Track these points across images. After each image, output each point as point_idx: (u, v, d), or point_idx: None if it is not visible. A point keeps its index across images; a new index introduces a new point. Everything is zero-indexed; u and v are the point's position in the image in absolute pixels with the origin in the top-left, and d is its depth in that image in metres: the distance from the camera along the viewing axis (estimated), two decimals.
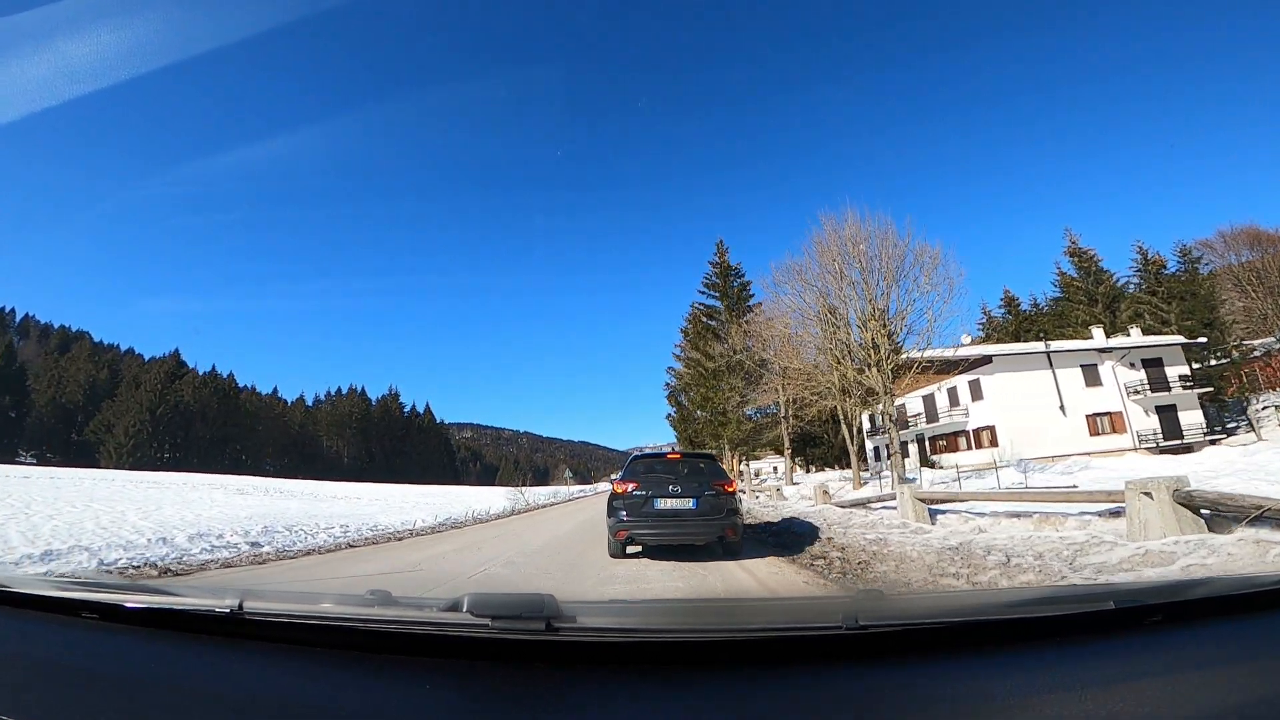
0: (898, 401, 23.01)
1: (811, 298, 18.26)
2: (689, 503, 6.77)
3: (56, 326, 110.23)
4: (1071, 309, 44.59)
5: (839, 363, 18.33)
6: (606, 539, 7.21)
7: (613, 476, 10.41)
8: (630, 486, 6.91)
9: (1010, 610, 1.11)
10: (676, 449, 8.61)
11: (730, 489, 7.05)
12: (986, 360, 28.65)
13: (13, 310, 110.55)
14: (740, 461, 35.84)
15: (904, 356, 17.34)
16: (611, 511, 6.94)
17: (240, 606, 1.07)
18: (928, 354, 17.79)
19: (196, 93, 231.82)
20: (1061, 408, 29.63)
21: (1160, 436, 29.51)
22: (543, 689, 0.86)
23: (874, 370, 17.11)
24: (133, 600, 1.22)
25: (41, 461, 75.02)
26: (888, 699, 0.82)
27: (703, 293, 35.71)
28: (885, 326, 17.00)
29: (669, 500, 6.81)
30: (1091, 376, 30.63)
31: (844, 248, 17.56)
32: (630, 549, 7.17)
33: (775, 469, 59.64)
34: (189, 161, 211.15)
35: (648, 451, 8.04)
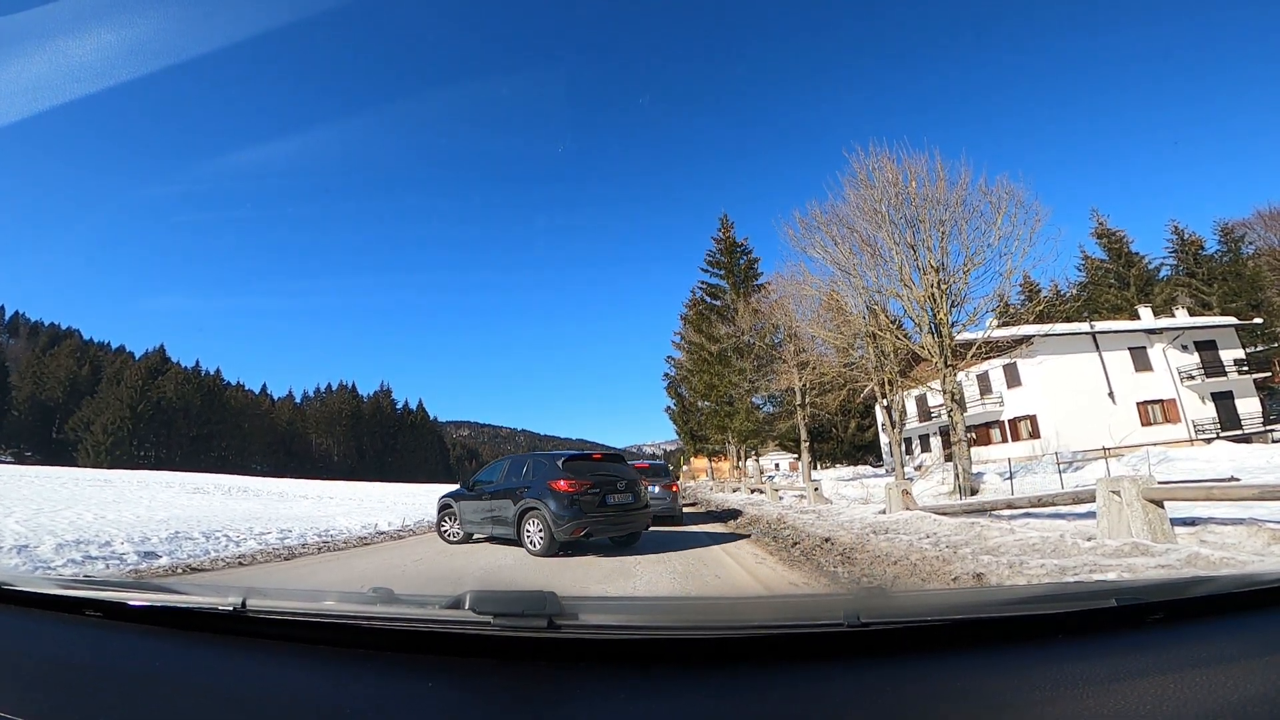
0: (932, 384, 19.83)
1: (847, 249, 15.00)
2: (629, 497, 7.73)
3: (46, 324, 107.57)
4: (1101, 294, 41.68)
5: (884, 330, 15.10)
6: (533, 537, 7.38)
7: (478, 477, 9.28)
8: (582, 484, 7.35)
9: (1013, 608, 1.08)
10: (590, 451, 8.00)
11: (646, 482, 8.97)
12: (1024, 342, 25.60)
13: (2, 308, 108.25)
14: (746, 457, 32.82)
15: (971, 324, 14.17)
16: (557, 509, 7.17)
17: (243, 604, 1.07)
18: (995, 331, 14.61)
19: (194, 92, 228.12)
20: (1110, 395, 26.60)
21: (1218, 426, 26.58)
22: (545, 686, 0.86)
23: (930, 336, 13.93)
24: (136, 598, 1.24)
25: (19, 460, 72.47)
26: (890, 696, 0.80)
27: (705, 270, 32.48)
28: (943, 284, 13.82)
29: (616, 495, 7.60)
30: (1141, 360, 27.65)
31: (887, 189, 14.40)
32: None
33: (777, 465, 56.57)
34: (185, 160, 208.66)
35: (572, 451, 8.11)
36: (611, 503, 7.45)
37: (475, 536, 9.11)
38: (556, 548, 7.20)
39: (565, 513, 7.08)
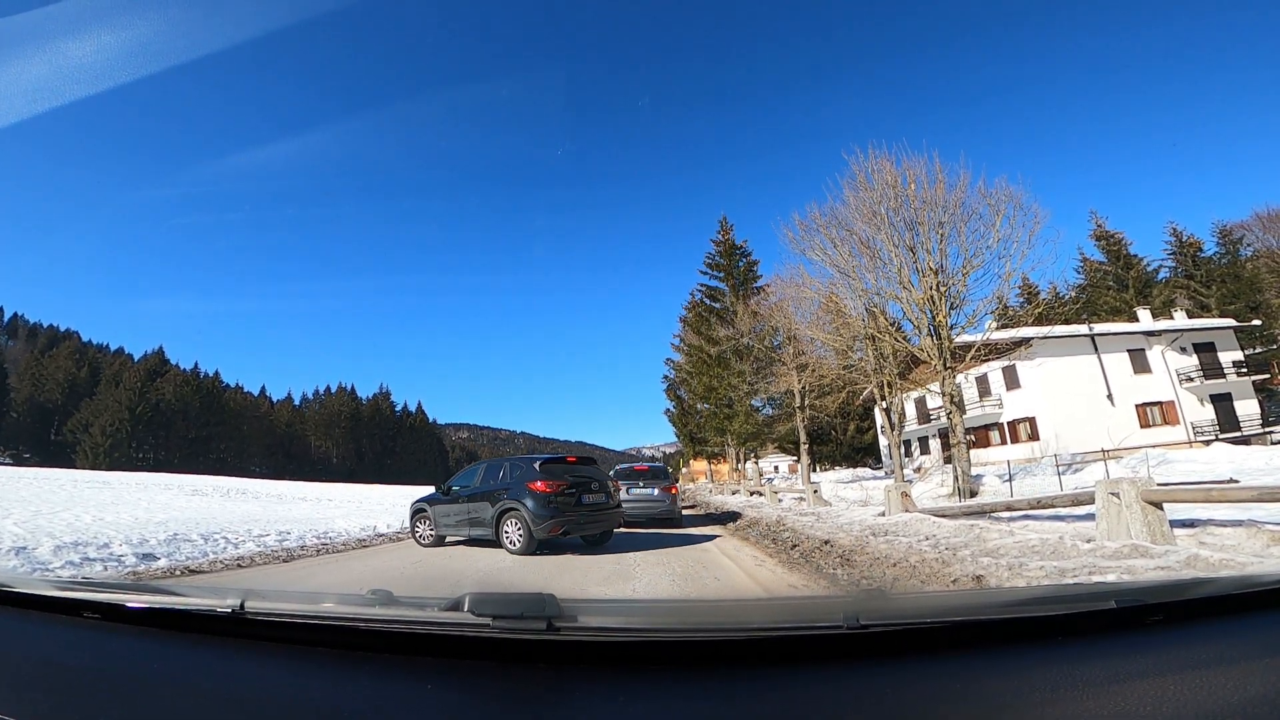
0: (931, 387, 19.85)
1: (846, 251, 15.02)
2: (602, 497, 8.21)
3: (45, 326, 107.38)
4: (1099, 296, 41.71)
5: (883, 332, 15.13)
6: (512, 537, 7.66)
7: (452, 482, 9.39)
8: (559, 485, 7.67)
9: (1012, 609, 1.09)
10: (564, 454, 8.30)
11: (616, 485, 9.13)
12: (1023, 344, 25.70)
13: (1, 309, 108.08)
14: (745, 460, 32.80)
15: (969, 326, 14.23)
16: (536, 508, 7.47)
17: (242, 606, 1.08)
18: (994, 333, 14.66)
19: (193, 94, 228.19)
20: (1109, 396, 26.63)
21: (1217, 428, 26.61)
22: (544, 688, 0.86)
23: (929, 338, 13.93)
24: (134, 600, 1.24)
25: (18, 462, 72.32)
26: (889, 698, 0.80)
27: (705, 273, 32.45)
28: (942, 286, 13.83)
29: (591, 495, 8.01)
30: (1140, 362, 27.69)
31: (886, 191, 14.42)
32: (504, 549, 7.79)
33: (776, 468, 56.47)
34: (185, 162, 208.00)
35: (548, 455, 8.41)
36: (586, 502, 7.90)
37: (447, 540, 9.30)
38: (535, 546, 7.50)
39: (544, 512, 7.45)
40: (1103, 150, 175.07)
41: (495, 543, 7.98)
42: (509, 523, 7.76)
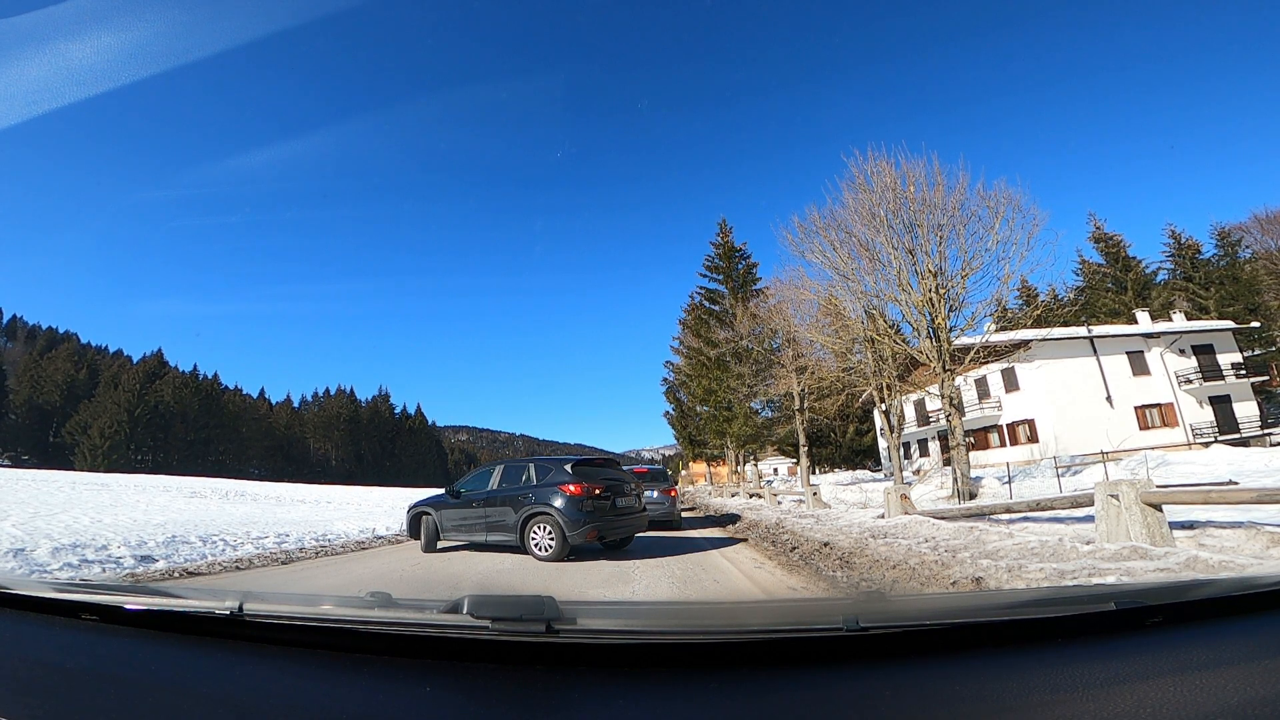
0: (930, 389, 19.87)
1: (846, 253, 15.03)
2: (633, 500, 8.08)
3: (44, 328, 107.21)
4: (1098, 298, 41.79)
5: (882, 335, 15.14)
6: (540, 542, 7.28)
7: (462, 485, 8.86)
8: (594, 488, 7.35)
9: (1012, 611, 1.09)
10: (591, 456, 7.86)
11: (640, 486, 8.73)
12: (1022, 346, 25.70)
13: (0, 311, 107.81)
14: (745, 462, 32.76)
15: (969, 328, 14.22)
16: (571, 513, 7.14)
17: (240, 608, 1.08)
18: (993, 335, 14.65)
19: (194, 96, 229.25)
20: (1108, 399, 26.65)
21: (1216, 430, 26.64)
22: (542, 691, 0.86)
23: (928, 340, 13.96)
24: (133, 602, 1.23)
25: (16, 463, 72.17)
26: (888, 700, 0.80)
27: (704, 275, 32.40)
28: (941, 288, 13.86)
29: (623, 499, 7.78)
30: (1139, 364, 27.74)
31: (885, 194, 14.44)
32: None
33: (775, 470, 56.44)
34: (185, 164, 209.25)
35: (576, 457, 8.19)
36: (620, 505, 7.65)
37: (459, 545, 8.93)
38: (568, 551, 7.17)
39: (579, 515, 7.13)
40: (1101, 152, 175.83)
41: (520, 548, 7.59)
42: (537, 527, 7.37)
